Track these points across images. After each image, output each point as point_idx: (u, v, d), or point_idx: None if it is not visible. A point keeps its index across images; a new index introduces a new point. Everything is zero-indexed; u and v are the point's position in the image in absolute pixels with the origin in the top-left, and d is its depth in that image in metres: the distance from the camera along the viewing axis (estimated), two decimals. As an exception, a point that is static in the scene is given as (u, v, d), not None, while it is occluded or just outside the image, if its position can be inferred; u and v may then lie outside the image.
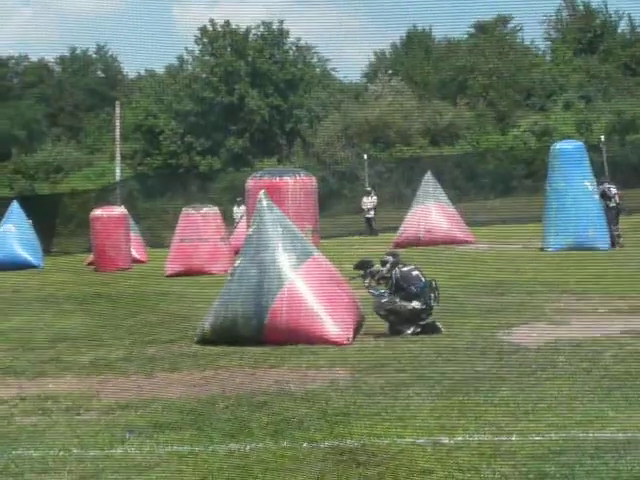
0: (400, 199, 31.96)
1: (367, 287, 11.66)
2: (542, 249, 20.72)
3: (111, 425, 7.11)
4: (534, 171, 33.65)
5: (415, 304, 11.15)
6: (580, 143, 22.92)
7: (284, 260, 11.06)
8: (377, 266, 11.80)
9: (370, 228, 30.75)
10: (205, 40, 45.26)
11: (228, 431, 6.68)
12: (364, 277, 11.75)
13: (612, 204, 21.59)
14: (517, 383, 7.68)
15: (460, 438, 6.06)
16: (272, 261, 11.01)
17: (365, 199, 31.47)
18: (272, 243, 11.13)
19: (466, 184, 34.99)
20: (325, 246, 23.39)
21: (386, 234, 27.34)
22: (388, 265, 11.62)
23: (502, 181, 34.83)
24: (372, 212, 31.18)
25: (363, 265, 11.97)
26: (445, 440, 6.04)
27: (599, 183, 21.93)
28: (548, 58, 46.78)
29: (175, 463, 5.97)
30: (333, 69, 48.44)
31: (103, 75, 67.55)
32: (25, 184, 45.76)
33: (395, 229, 26.05)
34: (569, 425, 6.15)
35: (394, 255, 12.00)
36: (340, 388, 8.06)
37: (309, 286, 10.97)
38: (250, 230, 11.51)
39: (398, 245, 22.53)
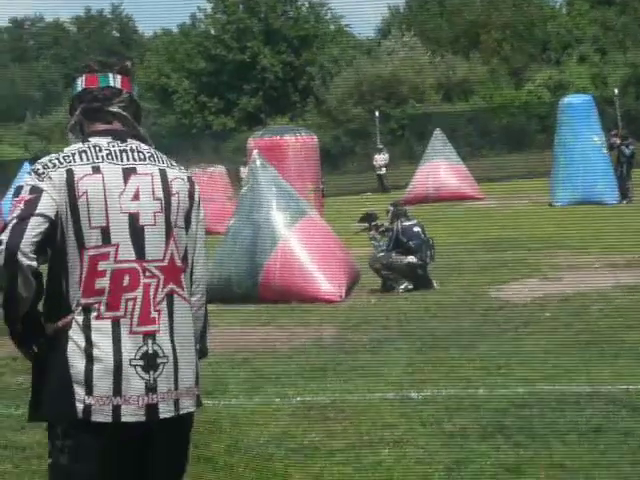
0: (412, 156, 31.83)
1: (371, 239, 11.80)
2: (550, 204, 20.66)
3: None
4: (548, 126, 33.34)
5: (411, 259, 11.23)
6: (588, 97, 22.74)
7: (278, 219, 11.13)
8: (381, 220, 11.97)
9: (382, 185, 30.72)
10: (217, -2, 45.08)
11: (204, 388, 6.77)
12: (369, 230, 11.90)
13: (623, 159, 21.44)
14: (497, 339, 7.74)
15: (428, 392, 6.14)
16: (266, 220, 11.08)
17: (377, 156, 31.43)
18: (266, 202, 11.19)
19: (479, 140, 34.80)
20: (335, 204, 23.51)
21: (398, 191, 27.30)
22: (389, 215, 11.76)
23: (515, 137, 34.58)
24: (384, 169, 31.15)
25: (367, 218, 12.15)
26: (414, 395, 6.12)
27: (613, 135, 21.79)
28: (564, 11, 46.16)
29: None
30: (347, 25, 48.13)
31: (118, 35, 67.50)
32: (40, 145, 45.92)
33: (407, 186, 26.06)
34: (537, 379, 6.21)
35: (395, 205, 12.08)
36: (324, 345, 8.16)
37: (303, 245, 11.04)
38: (243, 189, 11.57)
39: (407, 202, 22.45)
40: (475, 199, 24.01)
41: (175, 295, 2.86)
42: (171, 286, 2.85)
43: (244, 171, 29.24)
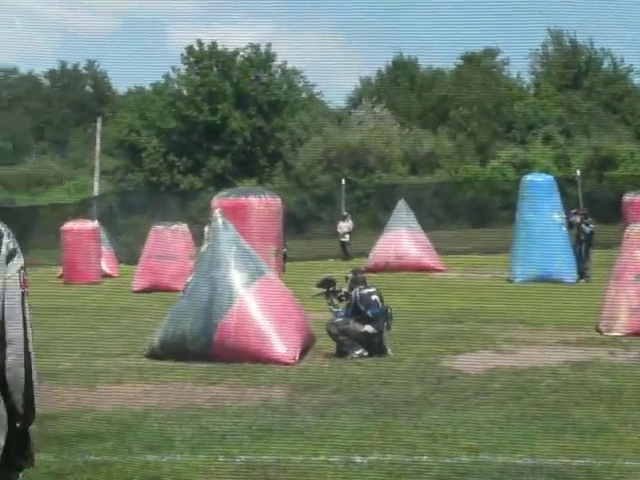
0: (377, 225, 32.08)
1: (329, 305, 11.78)
2: (509, 280, 20.83)
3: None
4: (511, 203, 33.83)
5: (368, 328, 11.24)
6: (550, 176, 23.15)
7: (236, 278, 11.14)
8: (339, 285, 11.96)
9: (345, 252, 30.86)
10: (191, 59, 45.57)
11: (150, 443, 6.73)
12: (327, 295, 11.87)
13: (583, 237, 21.68)
14: (446, 407, 7.76)
15: (373, 457, 6.13)
16: (224, 279, 11.09)
17: (341, 223, 31.65)
18: (224, 261, 11.21)
19: (443, 213, 35.21)
20: (297, 267, 23.58)
21: (360, 259, 27.43)
22: (348, 282, 11.78)
23: (479, 211, 35.04)
24: (347, 236, 31.34)
25: (325, 283, 12.10)
26: (358, 459, 6.11)
27: (574, 214, 22.07)
28: (531, 92, 47.21)
29: (89, 472, 6.02)
30: (318, 93, 48.85)
31: (92, 90, 67.81)
32: (5, 195, 45.75)
33: (369, 254, 26.21)
34: (482, 449, 6.23)
35: (355, 272, 12.12)
36: (273, 406, 8.13)
37: (259, 305, 11.04)
38: (204, 247, 11.60)
39: (369, 270, 22.61)
40: (436, 270, 24.19)
41: None
42: None
43: (207, 230, 29.46)
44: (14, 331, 2.71)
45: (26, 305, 2.77)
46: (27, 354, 2.75)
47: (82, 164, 51.30)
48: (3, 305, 2.70)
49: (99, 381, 9.71)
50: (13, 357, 2.72)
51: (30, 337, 2.77)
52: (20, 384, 2.74)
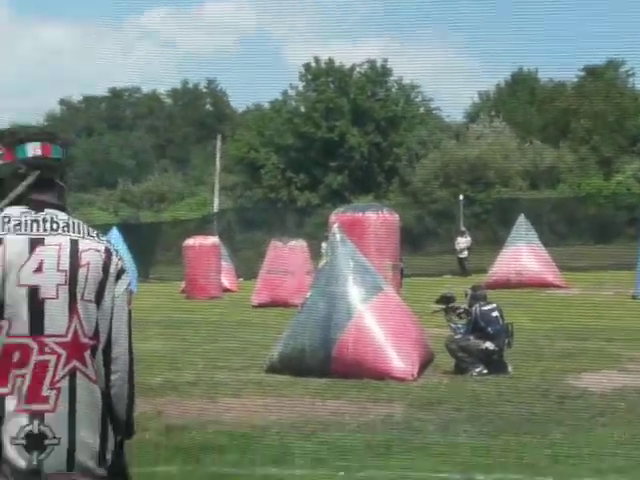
0: (495, 240, 31.64)
1: (448, 321, 11.69)
2: (634, 297, 20.25)
3: (161, 445, 7.29)
4: (636, 218, 32.87)
5: (488, 345, 11.09)
6: (678, 190, 22.43)
7: (354, 293, 11.15)
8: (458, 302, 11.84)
9: (462, 268, 30.53)
10: (309, 77, 46.08)
11: (271, 456, 6.79)
12: (445, 312, 11.77)
13: None
14: (571, 427, 7.56)
15: (496, 476, 6.02)
16: (342, 294, 11.12)
17: (459, 239, 31.33)
18: (342, 276, 11.24)
19: (564, 228, 34.46)
20: (414, 283, 23.43)
21: (479, 275, 27.08)
22: (468, 298, 11.64)
23: (602, 227, 34.14)
24: (465, 252, 31.00)
25: (444, 300, 12.00)
26: (480, 477, 6.01)
27: None
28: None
29: (212, 483, 6.12)
30: (436, 108, 48.63)
31: (212, 109, 69.29)
32: (130, 212, 47.13)
33: (489, 271, 25.85)
34: (608, 470, 6.05)
35: (474, 288, 11.99)
36: (393, 422, 8.09)
37: (377, 320, 11.02)
38: (322, 263, 11.66)
39: (488, 286, 22.23)
40: (557, 287, 23.68)
41: (78, 373, 2.69)
42: (74, 363, 2.68)
43: (325, 246, 29.62)
44: (119, 348, 2.78)
45: (131, 322, 2.84)
46: (131, 371, 2.83)
47: (202, 181, 52.44)
48: (111, 323, 2.76)
49: (220, 394, 9.84)
50: (118, 374, 2.78)
51: (134, 354, 2.84)
52: (124, 401, 2.81)
